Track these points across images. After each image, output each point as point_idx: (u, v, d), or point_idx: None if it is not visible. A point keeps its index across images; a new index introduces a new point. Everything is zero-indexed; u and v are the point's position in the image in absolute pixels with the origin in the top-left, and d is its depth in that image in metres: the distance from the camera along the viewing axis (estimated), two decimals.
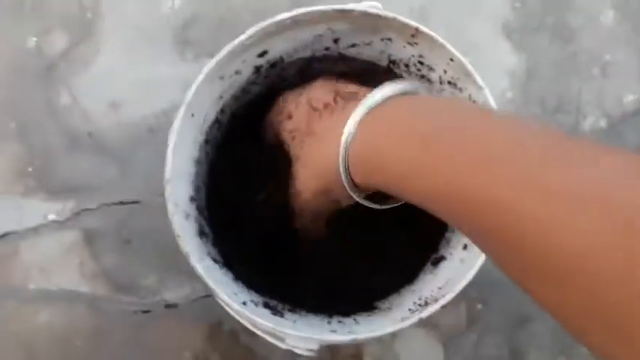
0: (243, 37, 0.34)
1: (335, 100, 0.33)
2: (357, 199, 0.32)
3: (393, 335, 0.54)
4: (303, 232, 0.41)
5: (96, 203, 0.55)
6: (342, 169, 0.30)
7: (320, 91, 0.34)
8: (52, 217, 0.55)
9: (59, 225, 0.55)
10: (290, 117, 0.37)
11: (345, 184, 0.30)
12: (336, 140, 0.29)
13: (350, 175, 0.30)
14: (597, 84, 0.57)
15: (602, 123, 0.56)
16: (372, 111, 0.29)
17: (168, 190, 0.33)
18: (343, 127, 0.29)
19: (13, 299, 0.53)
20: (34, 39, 0.57)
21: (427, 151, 0.24)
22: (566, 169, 0.19)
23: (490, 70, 0.56)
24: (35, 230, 0.54)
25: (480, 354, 0.53)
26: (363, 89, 0.33)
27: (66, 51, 0.57)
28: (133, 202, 0.55)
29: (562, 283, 0.17)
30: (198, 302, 0.54)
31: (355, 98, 0.31)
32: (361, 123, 0.29)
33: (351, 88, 0.34)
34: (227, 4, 0.58)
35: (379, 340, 0.54)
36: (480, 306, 0.54)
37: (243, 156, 0.47)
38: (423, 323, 0.54)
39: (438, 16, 0.57)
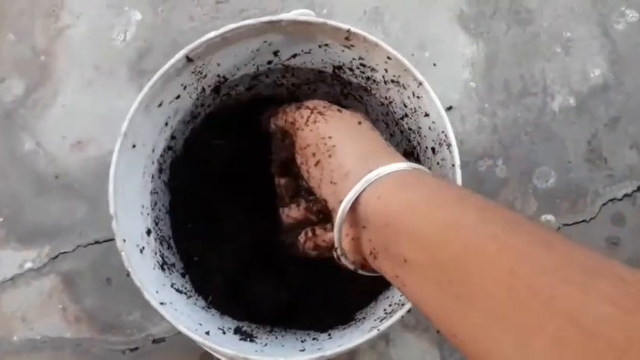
0: (171, 61, 0.33)
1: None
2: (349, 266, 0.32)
3: (388, 341, 0.53)
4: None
5: (71, 246, 0.54)
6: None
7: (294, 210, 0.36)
8: (28, 265, 0.54)
9: (36, 272, 0.54)
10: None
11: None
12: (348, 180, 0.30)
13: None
14: (561, 62, 0.56)
15: (571, 101, 0.55)
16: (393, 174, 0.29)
17: (115, 226, 0.32)
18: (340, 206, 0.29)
19: None
20: None
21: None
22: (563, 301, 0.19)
23: (450, 63, 0.55)
24: (13, 281, 0.54)
25: None
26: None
27: (24, 96, 0.56)
28: (108, 240, 0.54)
29: None
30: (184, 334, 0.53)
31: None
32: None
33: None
34: (177, 30, 0.58)
35: (373, 347, 0.53)
36: None
37: (207, 180, 0.46)
38: (415, 328, 0.53)
39: (392, 15, 0.57)
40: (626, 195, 0.53)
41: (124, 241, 0.32)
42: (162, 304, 0.32)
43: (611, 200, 0.53)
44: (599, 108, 0.55)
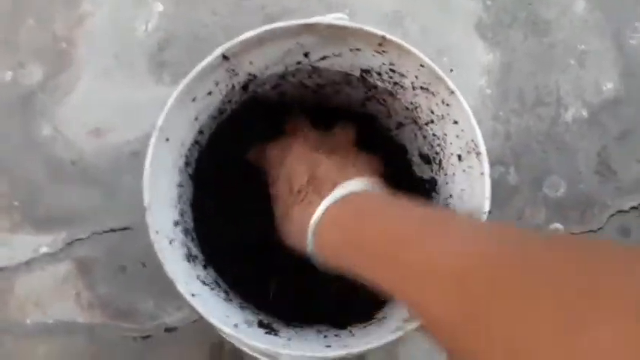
0: (209, 59, 0.34)
1: (308, 184, 0.39)
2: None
3: (397, 340, 0.54)
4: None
5: (87, 232, 0.55)
6: (310, 254, 0.37)
7: (298, 169, 0.40)
8: (43, 249, 0.55)
9: (51, 257, 0.55)
10: (273, 183, 0.42)
11: (316, 265, 0.37)
12: (304, 231, 0.36)
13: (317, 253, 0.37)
14: (575, 74, 0.57)
15: (584, 113, 0.56)
16: (326, 212, 0.36)
17: (149, 218, 0.33)
18: (309, 223, 0.36)
19: (10, 335, 0.53)
20: (10, 73, 0.57)
21: (361, 254, 0.32)
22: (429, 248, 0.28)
23: (467, 69, 0.57)
24: (27, 264, 0.54)
25: None
26: (333, 173, 0.39)
27: (43, 82, 0.57)
28: (123, 229, 0.55)
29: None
30: (197, 324, 0.54)
31: (321, 190, 0.38)
32: (319, 223, 0.36)
33: (322, 170, 0.39)
34: (199, 24, 0.58)
35: (383, 347, 0.54)
36: None
37: (227, 174, 0.47)
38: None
39: (411, 20, 0.58)
40: (632, 207, 0.55)
41: (157, 232, 0.33)
42: (193, 295, 0.33)
43: (618, 212, 0.55)
44: (610, 121, 0.56)
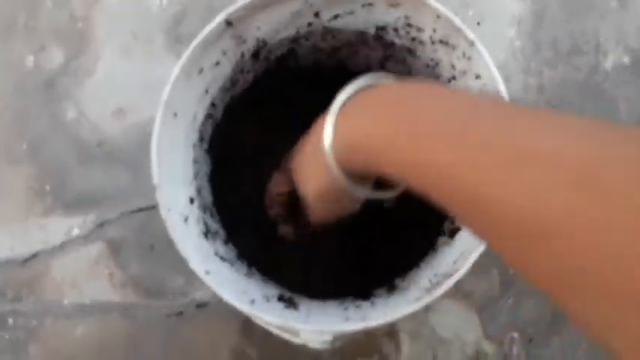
0: (210, 25, 0.32)
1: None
2: (349, 189, 0.30)
3: (427, 308, 0.53)
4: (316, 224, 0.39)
5: (115, 213, 0.55)
6: (331, 164, 0.29)
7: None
8: (75, 232, 0.55)
9: (83, 239, 0.55)
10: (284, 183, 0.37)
11: (336, 175, 0.29)
12: (319, 143, 0.29)
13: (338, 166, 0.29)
14: (616, 18, 0.52)
15: (626, 59, 0.52)
16: (343, 107, 0.29)
17: (159, 196, 0.32)
18: (324, 130, 0.29)
19: (50, 316, 0.55)
20: (31, 57, 0.57)
21: (392, 130, 0.25)
22: (518, 132, 0.20)
23: (495, 21, 0.53)
24: (62, 247, 0.55)
25: (519, 318, 0.51)
26: None
27: (64, 64, 0.57)
28: (150, 208, 0.55)
29: (520, 241, 0.18)
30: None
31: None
32: (338, 117, 0.29)
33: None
34: None
35: (413, 315, 0.53)
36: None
37: (246, 147, 0.46)
38: (454, 294, 0.52)
39: None
40: None
41: (168, 210, 0.32)
42: (207, 273, 0.32)
43: None
44: None
